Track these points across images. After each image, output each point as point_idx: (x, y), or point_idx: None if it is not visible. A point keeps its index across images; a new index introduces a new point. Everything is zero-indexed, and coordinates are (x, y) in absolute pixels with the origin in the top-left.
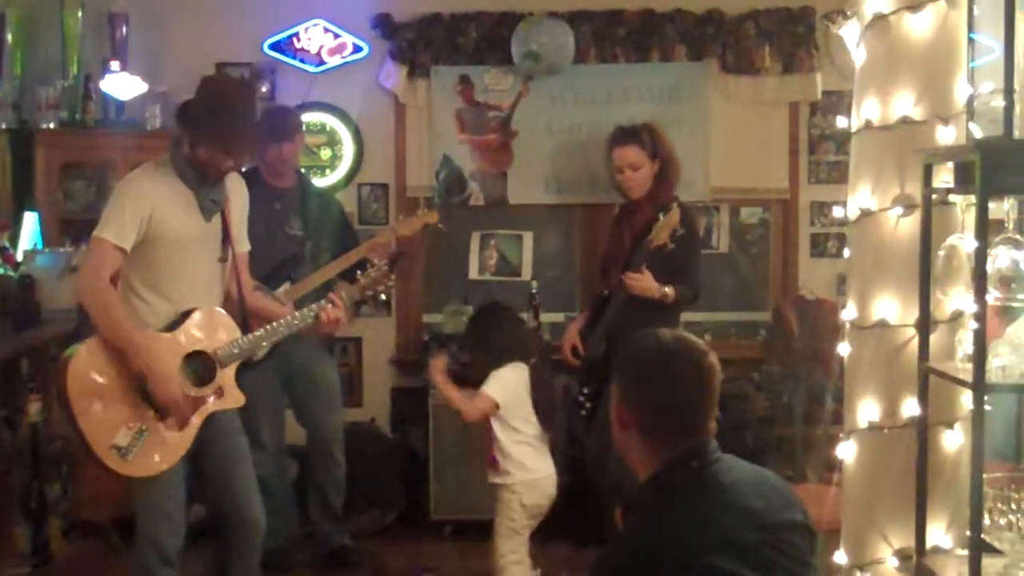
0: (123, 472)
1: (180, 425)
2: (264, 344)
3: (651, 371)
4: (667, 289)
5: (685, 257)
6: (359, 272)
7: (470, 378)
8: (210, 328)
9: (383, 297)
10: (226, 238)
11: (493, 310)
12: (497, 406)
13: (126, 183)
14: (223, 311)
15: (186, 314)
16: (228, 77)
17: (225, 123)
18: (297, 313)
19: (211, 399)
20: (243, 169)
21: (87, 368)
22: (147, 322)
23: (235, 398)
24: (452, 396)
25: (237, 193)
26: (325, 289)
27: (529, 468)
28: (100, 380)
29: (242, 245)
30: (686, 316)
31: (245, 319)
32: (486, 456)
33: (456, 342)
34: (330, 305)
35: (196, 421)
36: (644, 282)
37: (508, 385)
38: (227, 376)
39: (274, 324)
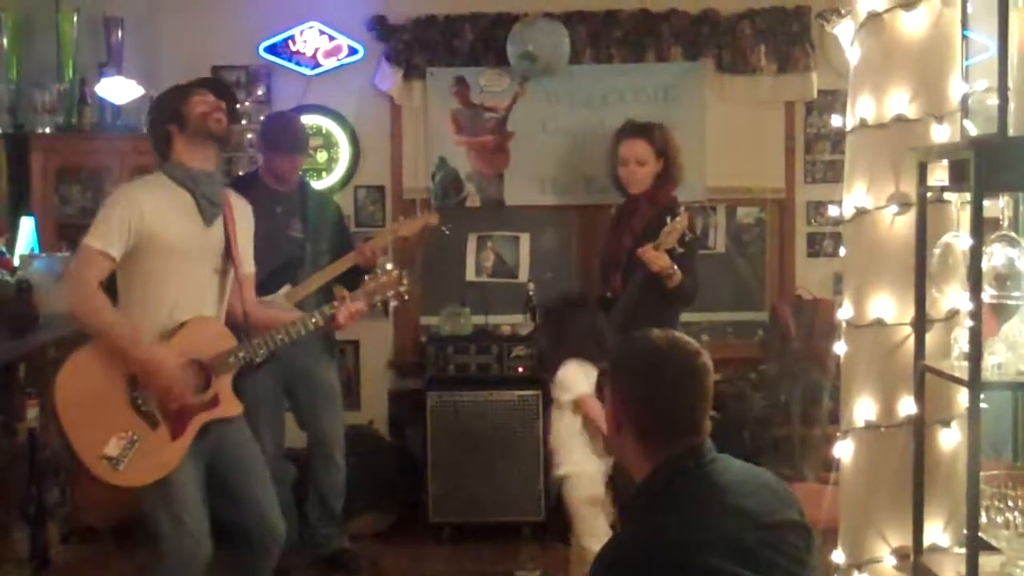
0: (114, 482)
1: (173, 435)
2: (261, 351)
3: (643, 372)
4: (676, 268)
5: (689, 259)
6: (367, 276)
7: (544, 372)
8: (204, 337)
9: (393, 303)
10: (228, 251)
11: (568, 302)
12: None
13: (118, 191)
14: (217, 320)
15: (181, 324)
16: None
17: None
18: (298, 322)
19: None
20: (241, 173)
21: (76, 379)
22: (140, 331)
23: (231, 406)
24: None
25: (242, 213)
26: (325, 291)
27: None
28: (90, 391)
29: (248, 266)
30: (683, 317)
31: (248, 332)
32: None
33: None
34: (332, 309)
35: (189, 431)
36: (662, 259)
37: (586, 375)
38: (222, 384)
39: (273, 334)
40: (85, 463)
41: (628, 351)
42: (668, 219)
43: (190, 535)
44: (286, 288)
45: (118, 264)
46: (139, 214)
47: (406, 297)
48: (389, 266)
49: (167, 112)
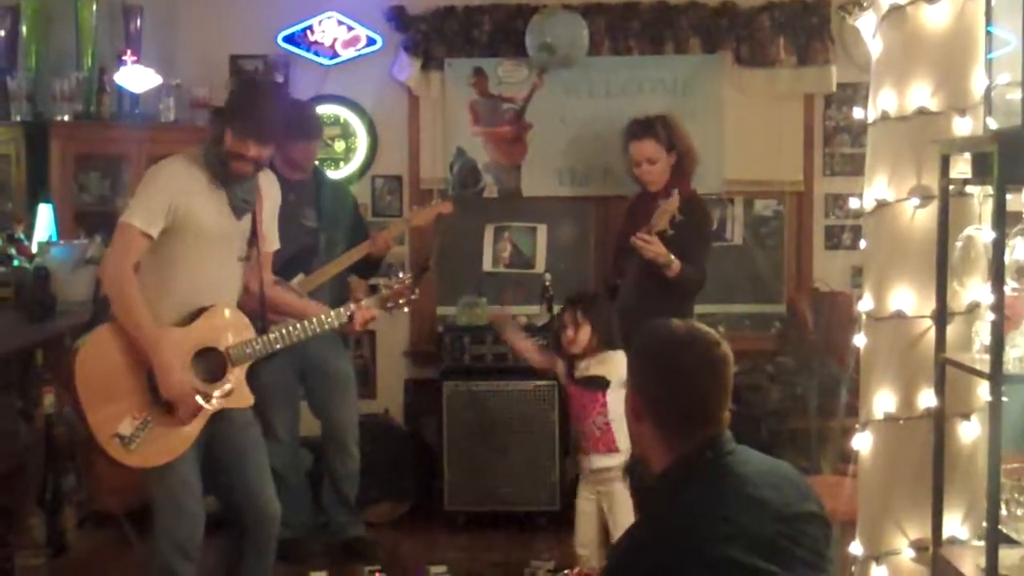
0: (124, 461)
1: (185, 420)
2: (278, 346)
3: (663, 362)
4: (673, 258)
5: (687, 243)
6: (381, 282)
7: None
8: (226, 326)
9: (405, 309)
10: (253, 238)
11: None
12: (607, 383)
13: (158, 169)
14: (239, 311)
15: (203, 309)
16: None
17: (253, 104)
18: (315, 319)
19: (215, 399)
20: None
21: (97, 356)
22: (159, 312)
23: (243, 397)
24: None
25: (269, 192)
26: (338, 281)
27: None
28: (109, 368)
29: (270, 244)
30: (700, 308)
31: (264, 315)
32: (595, 444)
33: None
34: (355, 307)
35: (201, 417)
36: (655, 245)
37: (620, 368)
38: (237, 375)
39: (291, 328)
40: (97, 439)
41: (647, 341)
42: (660, 202)
43: (186, 515)
44: (299, 277)
45: None
46: (178, 194)
47: (414, 298)
48: (402, 274)
49: (230, 118)
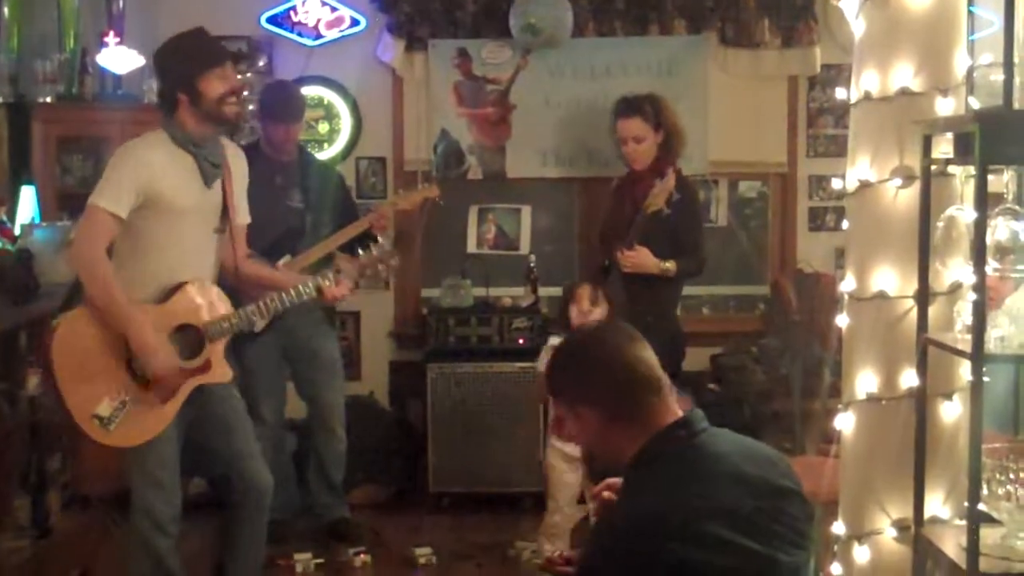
0: (104, 442)
1: (164, 398)
2: (255, 319)
3: (579, 363)
4: (667, 264)
5: (686, 224)
6: (360, 250)
7: None
8: (202, 301)
9: (385, 276)
10: (225, 209)
11: None
12: None
13: (123, 150)
14: (215, 285)
15: (178, 286)
16: None
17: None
18: (291, 289)
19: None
20: (243, 144)
21: (73, 336)
22: (136, 291)
23: (222, 373)
24: None
25: (237, 166)
26: (326, 262)
27: None
28: (86, 349)
29: (241, 217)
30: (684, 290)
31: (238, 289)
32: None
33: None
34: (328, 283)
35: (180, 395)
36: (639, 259)
37: None
38: (215, 350)
39: (266, 300)
40: (76, 420)
41: (557, 359)
42: (657, 181)
43: (162, 489)
44: (286, 258)
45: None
46: (146, 174)
47: (394, 264)
48: (381, 239)
49: (183, 80)
